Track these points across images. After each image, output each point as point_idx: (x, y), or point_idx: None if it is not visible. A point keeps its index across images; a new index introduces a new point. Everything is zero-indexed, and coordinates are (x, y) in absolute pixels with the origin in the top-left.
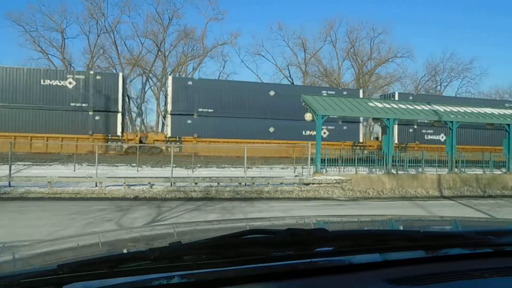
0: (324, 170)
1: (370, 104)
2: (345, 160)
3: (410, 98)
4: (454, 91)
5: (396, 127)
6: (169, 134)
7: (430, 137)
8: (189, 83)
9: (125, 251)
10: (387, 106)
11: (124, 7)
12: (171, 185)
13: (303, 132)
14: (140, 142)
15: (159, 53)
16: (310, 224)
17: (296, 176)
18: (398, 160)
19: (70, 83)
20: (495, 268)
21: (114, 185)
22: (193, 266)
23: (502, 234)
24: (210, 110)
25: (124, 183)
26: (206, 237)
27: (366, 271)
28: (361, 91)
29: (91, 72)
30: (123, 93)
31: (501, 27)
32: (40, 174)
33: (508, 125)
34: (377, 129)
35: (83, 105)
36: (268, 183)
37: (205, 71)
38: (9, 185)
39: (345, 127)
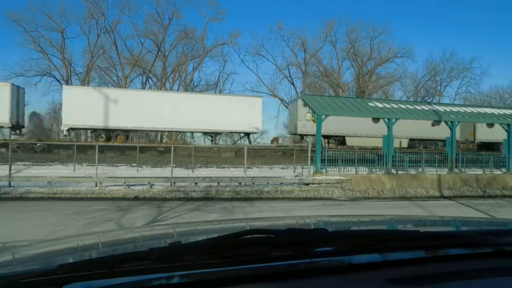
0: (324, 170)
1: (370, 104)
2: (345, 160)
3: None
4: (454, 91)
5: None
6: None
7: None
8: None
9: (125, 251)
10: (387, 106)
11: (124, 7)
12: (171, 185)
13: None
14: None
15: (159, 53)
16: (310, 224)
17: (296, 176)
18: (398, 160)
19: None
20: (495, 268)
21: (114, 185)
22: (193, 266)
23: (502, 234)
24: None
25: (124, 183)
26: (206, 237)
27: (366, 271)
28: None
29: None
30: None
31: (502, 27)
32: (40, 174)
33: (508, 125)
34: None
35: None
36: (268, 183)
37: (205, 71)
38: (9, 185)
39: None
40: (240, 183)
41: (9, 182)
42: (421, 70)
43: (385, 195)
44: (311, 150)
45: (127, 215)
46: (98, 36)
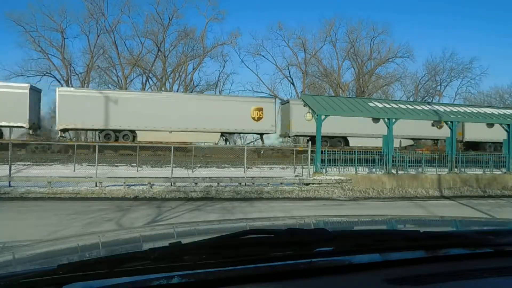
0: (324, 170)
1: (370, 104)
2: (345, 160)
3: None
4: (454, 91)
5: None
6: None
7: None
8: None
9: (125, 251)
10: (387, 106)
11: (124, 7)
12: (171, 185)
13: None
14: None
15: (159, 53)
16: (310, 224)
17: (296, 176)
18: (398, 160)
19: None
20: (495, 268)
21: (114, 185)
22: (193, 266)
23: (502, 234)
24: None
25: (124, 183)
26: (206, 237)
27: (366, 271)
28: None
29: None
30: None
31: (502, 27)
32: (40, 174)
33: (508, 125)
34: None
35: None
36: (268, 183)
37: (205, 71)
38: (9, 185)
39: None
40: (240, 183)
41: (9, 182)
42: (421, 70)
43: (385, 195)
44: (311, 151)
45: (127, 215)
46: (98, 36)
